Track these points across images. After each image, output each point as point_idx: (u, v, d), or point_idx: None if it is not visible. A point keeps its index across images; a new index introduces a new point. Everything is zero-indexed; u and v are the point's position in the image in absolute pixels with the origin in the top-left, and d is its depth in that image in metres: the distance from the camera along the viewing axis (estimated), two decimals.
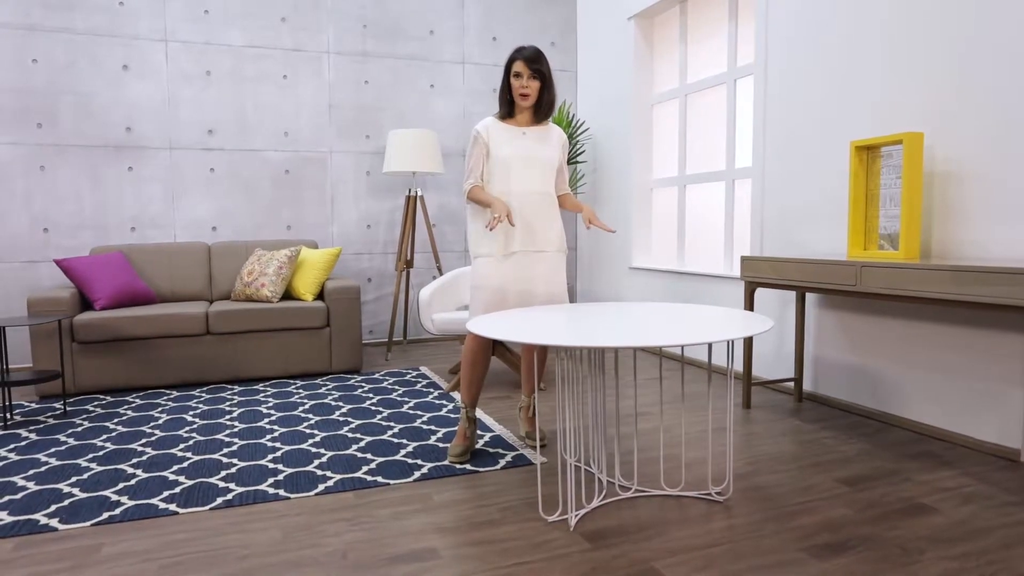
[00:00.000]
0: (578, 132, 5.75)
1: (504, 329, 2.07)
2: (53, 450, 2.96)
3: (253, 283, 4.32)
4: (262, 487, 2.50)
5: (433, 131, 4.97)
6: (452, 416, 3.39)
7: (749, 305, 3.37)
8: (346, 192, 5.29)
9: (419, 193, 5.01)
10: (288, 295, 4.50)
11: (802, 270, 3.05)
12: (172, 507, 2.33)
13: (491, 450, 2.87)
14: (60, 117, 4.58)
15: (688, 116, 4.75)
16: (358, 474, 2.62)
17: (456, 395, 3.81)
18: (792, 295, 3.72)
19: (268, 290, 4.28)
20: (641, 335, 1.94)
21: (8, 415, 3.54)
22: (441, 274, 5.03)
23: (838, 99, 3.40)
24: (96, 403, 3.74)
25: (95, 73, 4.63)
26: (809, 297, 3.62)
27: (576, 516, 2.19)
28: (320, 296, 4.62)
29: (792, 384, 3.72)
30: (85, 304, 4.20)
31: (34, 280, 4.60)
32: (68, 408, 3.65)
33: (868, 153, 3.09)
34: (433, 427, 3.21)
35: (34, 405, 3.73)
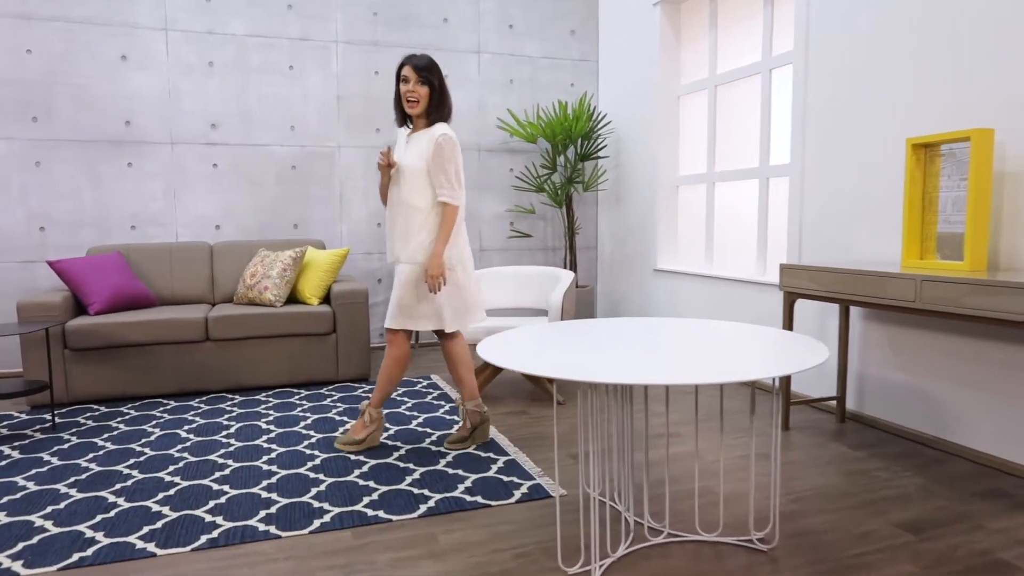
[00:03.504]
0: (600, 125, 5.45)
1: (512, 358, 1.80)
2: (33, 472, 2.74)
3: (256, 286, 4.09)
4: (251, 522, 2.26)
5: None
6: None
7: (788, 318, 3.08)
8: (355, 189, 5.04)
9: None
10: (293, 298, 4.27)
11: (852, 282, 2.75)
12: (150, 547, 2.10)
13: (505, 479, 2.61)
14: (56, 110, 4.37)
15: (718, 108, 4.44)
16: (358, 507, 2.37)
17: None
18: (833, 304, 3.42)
19: (271, 294, 4.05)
20: (675, 367, 1.67)
21: None
22: None
23: (890, 90, 3.08)
24: (88, 414, 3.53)
25: (92, 64, 4.41)
26: (853, 307, 3.31)
27: (601, 567, 1.93)
28: (326, 300, 4.39)
29: (834, 403, 3.42)
30: (80, 308, 3.99)
31: (31, 281, 4.41)
32: (58, 420, 3.45)
33: (926, 151, 2.78)
34: (443, 449, 2.96)
35: (24, 416, 3.54)
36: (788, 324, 3.09)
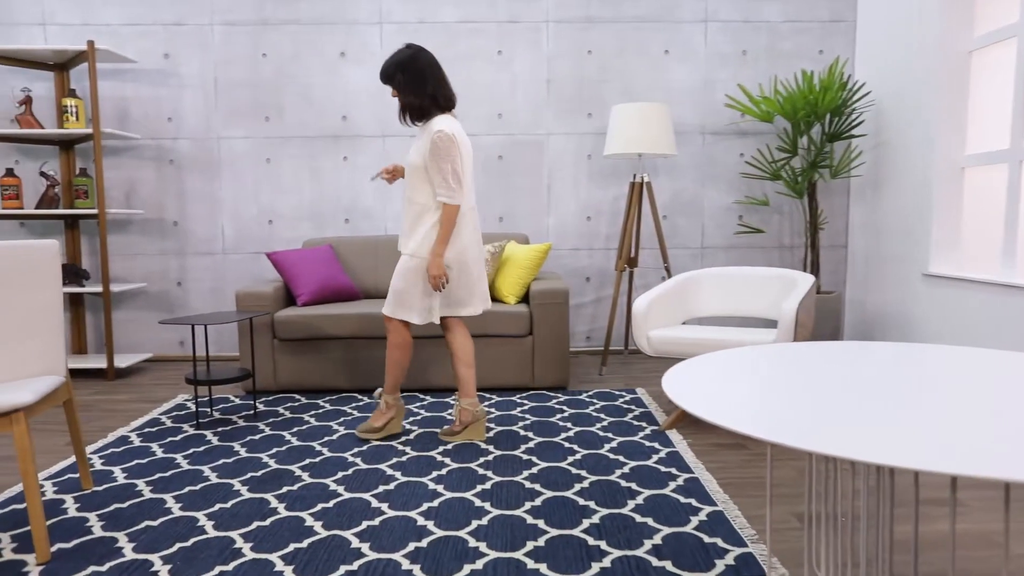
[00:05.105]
0: (855, 97, 4.49)
1: (709, 400, 1.26)
2: (220, 462, 2.75)
3: None
4: (396, 556, 1.96)
5: (664, 104, 4.13)
6: (661, 470, 2.60)
7: None
8: (564, 179, 4.68)
9: (646, 179, 4.22)
10: (490, 296, 4.01)
11: None
12: (288, 571, 1.89)
13: (706, 539, 2.04)
14: (285, 109, 4.58)
15: None
16: (518, 554, 1.97)
17: (672, 435, 3.00)
18: None
19: None
20: (972, 438, 1.00)
21: (210, 410, 3.51)
22: (669, 275, 4.20)
23: None
24: (288, 404, 3.58)
25: (316, 62, 4.55)
26: None
27: None
28: (525, 299, 4.07)
29: None
30: (291, 299, 4.11)
31: (259, 271, 4.69)
32: (261, 408, 3.53)
33: None
34: (633, 485, 2.45)
35: (237, 401, 3.69)
36: None
